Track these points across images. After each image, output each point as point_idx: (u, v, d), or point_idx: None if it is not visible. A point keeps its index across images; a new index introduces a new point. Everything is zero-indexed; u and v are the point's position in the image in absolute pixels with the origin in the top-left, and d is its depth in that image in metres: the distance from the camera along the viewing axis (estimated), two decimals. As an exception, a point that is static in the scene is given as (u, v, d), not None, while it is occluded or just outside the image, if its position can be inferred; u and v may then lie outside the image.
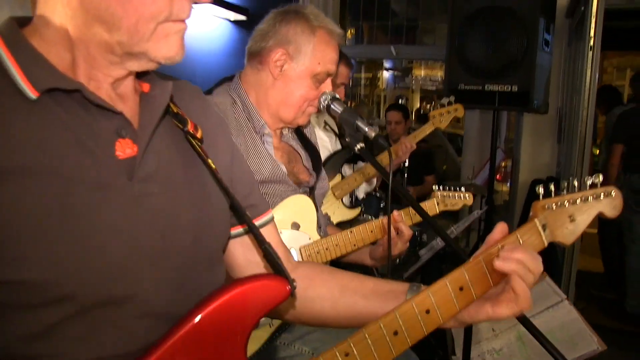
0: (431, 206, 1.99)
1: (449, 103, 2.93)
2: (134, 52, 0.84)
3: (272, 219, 1.19)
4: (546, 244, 1.03)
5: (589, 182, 1.05)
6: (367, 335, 0.95)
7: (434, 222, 1.45)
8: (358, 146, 1.57)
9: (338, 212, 2.54)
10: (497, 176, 5.79)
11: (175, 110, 0.98)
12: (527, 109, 3.56)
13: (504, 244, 0.99)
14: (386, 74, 13.31)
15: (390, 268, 1.60)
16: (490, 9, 3.53)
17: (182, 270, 0.91)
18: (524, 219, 4.28)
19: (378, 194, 3.63)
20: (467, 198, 2.03)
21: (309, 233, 1.85)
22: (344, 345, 0.95)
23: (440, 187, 2.01)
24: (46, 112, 0.80)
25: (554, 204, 1.04)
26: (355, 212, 2.62)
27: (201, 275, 0.96)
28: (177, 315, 0.87)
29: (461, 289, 0.98)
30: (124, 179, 0.85)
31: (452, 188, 2.02)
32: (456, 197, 2.00)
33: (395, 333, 0.96)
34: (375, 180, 3.34)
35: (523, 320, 1.25)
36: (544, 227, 1.02)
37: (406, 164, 3.73)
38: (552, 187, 1.04)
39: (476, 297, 0.99)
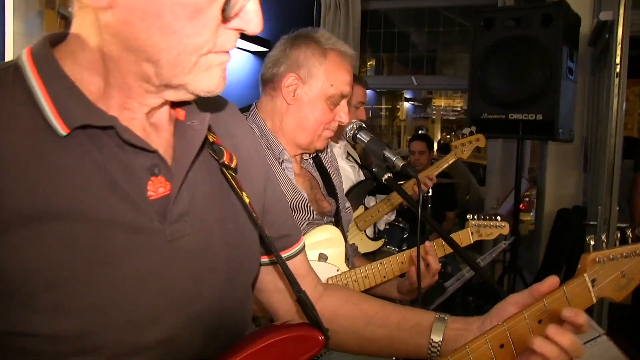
0: (465, 236, 1.94)
1: (471, 133, 2.88)
2: (173, 84, 0.79)
3: (303, 247, 1.16)
4: (595, 300, 0.97)
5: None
6: None
7: (465, 253, 1.41)
8: (385, 176, 1.54)
9: (361, 244, 2.50)
10: (521, 205, 5.71)
11: (211, 140, 0.92)
12: (552, 137, 3.52)
13: (549, 299, 0.95)
14: (406, 105, 13.34)
15: (420, 301, 1.55)
16: (512, 39, 3.53)
17: (214, 311, 0.88)
18: (550, 250, 4.19)
19: (401, 224, 3.58)
20: (504, 227, 1.97)
21: (337, 264, 1.81)
22: None
23: (475, 217, 1.97)
24: (78, 149, 0.76)
25: (605, 258, 0.98)
26: (379, 243, 2.58)
27: (233, 314, 0.93)
28: (210, 358, 0.84)
29: (502, 346, 0.93)
30: (156, 222, 0.80)
31: (487, 217, 1.97)
32: (491, 227, 1.96)
33: None
34: (395, 211, 3.30)
35: None
36: (593, 282, 0.97)
37: (429, 194, 3.67)
38: (603, 237, 0.99)
39: (516, 356, 0.94)
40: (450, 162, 2.94)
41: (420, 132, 9.55)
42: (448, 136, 12.17)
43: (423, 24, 5.75)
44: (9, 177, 0.71)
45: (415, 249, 1.82)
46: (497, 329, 0.94)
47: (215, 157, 0.92)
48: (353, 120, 1.73)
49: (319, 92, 1.70)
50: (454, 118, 13.25)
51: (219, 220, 0.91)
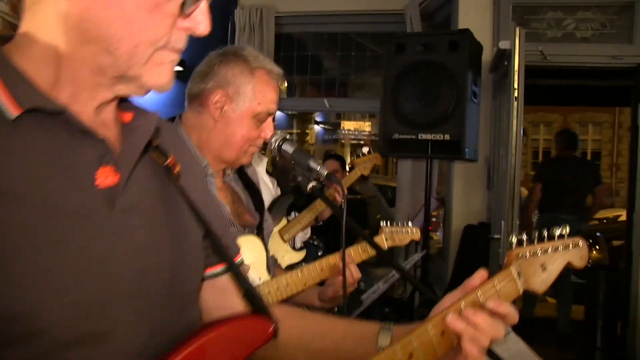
0: (380, 242, 2.00)
1: (369, 152, 3.25)
2: (128, 75, 0.81)
3: (242, 263, 1.15)
4: (521, 291, 1.05)
5: (557, 233, 1.09)
6: None
7: (389, 256, 1.47)
8: (310, 185, 1.59)
9: (287, 255, 2.52)
10: (429, 227, 5.98)
11: (155, 144, 0.94)
12: (459, 157, 3.72)
13: (481, 290, 0.99)
14: (316, 128, 13.59)
15: (345, 305, 1.59)
16: (422, 63, 3.71)
17: (159, 309, 0.86)
18: (459, 264, 4.40)
19: (315, 242, 3.64)
20: (415, 232, 2.06)
21: (260, 273, 1.82)
22: None
23: (387, 223, 2.04)
24: (27, 133, 0.76)
25: (527, 253, 1.06)
26: (303, 253, 2.62)
27: (178, 316, 0.91)
28: (153, 357, 0.82)
29: (443, 333, 0.98)
30: (104, 209, 0.81)
31: (399, 224, 2.05)
32: (404, 232, 2.04)
33: None
34: (309, 229, 3.39)
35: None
36: (519, 274, 1.05)
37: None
38: (524, 237, 1.07)
39: (455, 344, 0.98)
40: (354, 178, 3.19)
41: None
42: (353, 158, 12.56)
43: (336, 49, 5.92)
44: None
45: (334, 255, 1.88)
46: (438, 317, 0.98)
47: (160, 159, 0.93)
48: (277, 132, 1.77)
49: (246, 110, 1.72)
50: (362, 142, 13.65)
51: (166, 219, 0.91)
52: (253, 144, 1.78)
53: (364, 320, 1.12)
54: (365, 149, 3.27)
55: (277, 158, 1.91)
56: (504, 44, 3.64)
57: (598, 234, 7.65)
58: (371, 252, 1.91)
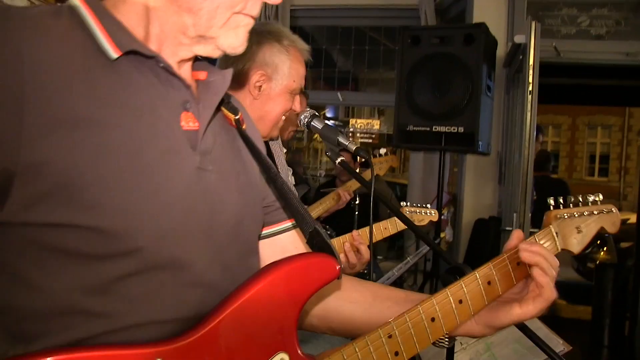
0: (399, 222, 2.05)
1: (385, 154, 3.31)
2: (206, 36, 0.90)
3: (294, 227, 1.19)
4: (559, 249, 1.11)
5: (590, 199, 1.14)
6: (408, 319, 1.02)
7: (417, 229, 1.52)
8: (339, 159, 1.63)
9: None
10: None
11: (227, 100, 1.04)
12: (472, 149, 3.75)
13: (524, 245, 1.07)
14: (326, 125, 13.58)
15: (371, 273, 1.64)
16: (437, 55, 3.75)
17: (227, 250, 0.94)
18: (469, 257, 4.43)
19: (329, 232, 3.69)
20: (433, 214, 2.10)
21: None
22: (388, 327, 1.01)
23: (408, 203, 2.08)
24: (125, 73, 0.84)
25: (565, 214, 1.12)
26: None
27: (243, 260, 0.98)
28: (227, 290, 0.89)
29: (489, 283, 1.06)
30: (188, 149, 0.89)
31: (418, 205, 2.10)
32: (422, 213, 2.08)
33: (433, 319, 1.03)
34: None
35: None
36: (557, 234, 1.11)
37: (357, 203, 3.80)
38: (560, 200, 1.13)
39: (501, 293, 1.07)
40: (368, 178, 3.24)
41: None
42: (366, 157, 12.53)
43: (349, 43, 5.95)
44: (59, 85, 0.77)
45: (345, 235, 1.92)
46: (485, 268, 1.07)
47: (231, 115, 1.02)
48: (306, 109, 1.82)
49: (283, 88, 1.79)
50: (369, 141, 13.67)
51: (234, 169, 1.00)
52: (284, 116, 1.86)
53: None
54: (382, 150, 3.31)
55: (285, 152, 2.01)
56: (519, 38, 3.67)
57: (606, 234, 7.67)
58: (391, 230, 1.95)
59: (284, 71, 1.78)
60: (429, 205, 2.13)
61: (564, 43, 4.30)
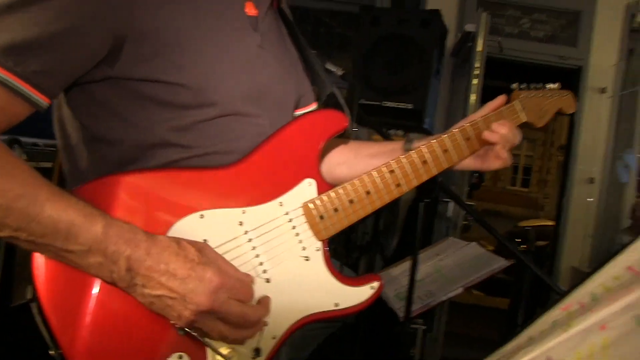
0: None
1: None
2: None
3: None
4: (523, 120, 1.35)
5: (548, 86, 1.38)
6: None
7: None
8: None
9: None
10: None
11: None
12: (419, 124, 4.02)
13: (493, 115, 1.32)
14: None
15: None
16: (392, 36, 4.00)
17: (274, 109, 1.19)
18: (403, 238, 4.70)
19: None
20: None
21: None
22: (390, 164, 1.22)
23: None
24: None
25: (529, 94, 1.36)
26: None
27: (285, 118, 1.25)
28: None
29: (467, 139, 1.28)
30: (252, 29, 1.15)
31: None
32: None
33: (424, 162, 1.25)
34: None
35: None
36: (522, 109, 1.34)
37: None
38: (524, 84, 1.36)
39: (479, 147, 1.31)
40: None
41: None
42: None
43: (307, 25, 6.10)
44: None
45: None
46: (465, 127, 1.31)
47: (286, 9, 1.28)
48: None
49: None
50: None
51: (286, 55, 1.26)
52: None
53: (390, 141, 1.45)
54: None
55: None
56: (470, 27, 3.97)
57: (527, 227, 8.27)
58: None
59: None
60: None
61: (507, 41, 4.66)
